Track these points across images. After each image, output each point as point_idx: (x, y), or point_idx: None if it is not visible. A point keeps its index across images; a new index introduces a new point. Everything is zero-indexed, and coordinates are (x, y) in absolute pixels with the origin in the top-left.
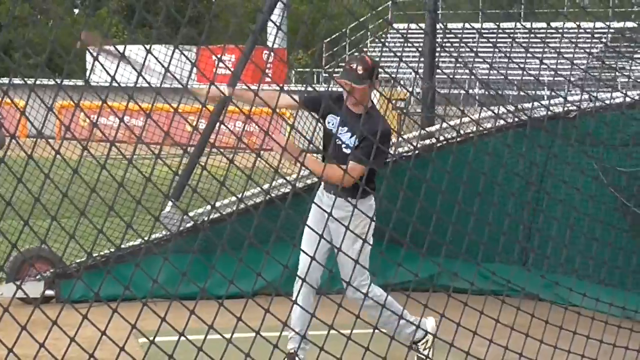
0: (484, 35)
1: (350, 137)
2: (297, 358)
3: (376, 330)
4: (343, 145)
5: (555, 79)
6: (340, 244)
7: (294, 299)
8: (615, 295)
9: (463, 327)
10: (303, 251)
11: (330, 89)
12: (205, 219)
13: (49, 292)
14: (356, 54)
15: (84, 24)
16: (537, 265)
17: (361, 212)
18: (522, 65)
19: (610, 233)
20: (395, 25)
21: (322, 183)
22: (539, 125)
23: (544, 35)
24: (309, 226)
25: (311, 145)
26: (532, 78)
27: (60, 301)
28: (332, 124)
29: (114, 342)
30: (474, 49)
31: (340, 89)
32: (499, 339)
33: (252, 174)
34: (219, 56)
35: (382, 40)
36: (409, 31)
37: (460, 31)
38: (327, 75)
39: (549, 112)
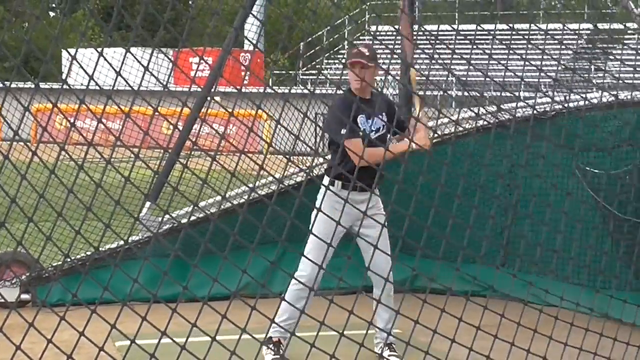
0: (460, 35)
1: (383, 117)
2: (281, 346)
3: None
4: (377, 132)
5: (527, 80)
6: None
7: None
8: (586, 294)
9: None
10: (307, 257)
11: (333, 98)
12: (183, 221)
13: (25, 297)
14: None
15: (59, 26)
16: (515, 265)
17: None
18: (493, 68)
19: (589, 234)
20: (371, 28)
21: (340, 183)
22: (508, 126)
23: (519, 36)
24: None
25: (297, 144)
26: (507, 80)
27: (37, 305)
28: (363, 122)
29: (92, 342)
30: (450, 49)
31: (341, 91)
32: (474, 339)
33: (233, 175)
34: (198, 58)
35: (365, 37)
36: (385, 34)
37: (437, 32)
38: (304, 77)
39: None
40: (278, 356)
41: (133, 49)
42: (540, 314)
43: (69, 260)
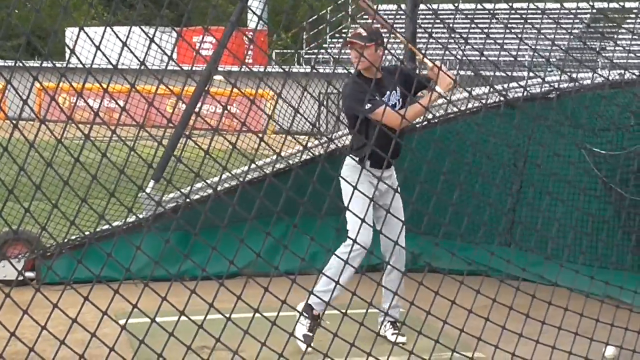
0: (465, 15)
1: (397, 93)
2: (320, 320)
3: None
4: (393, 108)
5: (535, 59)
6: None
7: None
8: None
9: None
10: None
11: (352, 80)
12: (186, 199)
13: (29, 274)
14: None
15: (65, 4)
16: (522, 245)
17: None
18: (501, 45)
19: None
20: (376, 7)
21: (368, 163)
22: (518, 106)
23: (524, 14)
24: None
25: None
26: (511, 58)
27: (42, 283)
28: (388, 99)
29: (101, 311)
30: (455, 29)
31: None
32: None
33: (234, 146)
34: (201, 37)
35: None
36: (390, 13)
37: (442, 12)
38: (308, 56)
39: (527, 93)
40: (311, 334)
41: (136, 28)
42: (534, 292)
43: (73, 232)
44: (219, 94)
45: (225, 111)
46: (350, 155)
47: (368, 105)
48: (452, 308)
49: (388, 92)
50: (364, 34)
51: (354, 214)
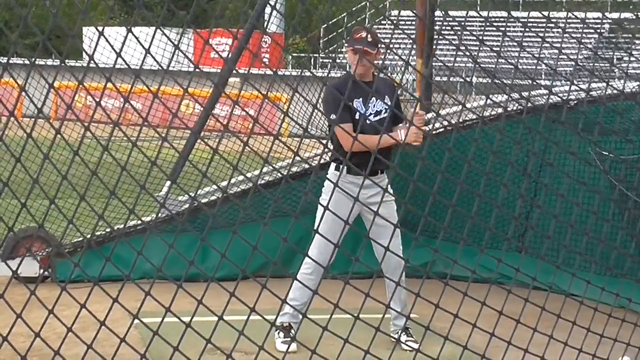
0: (487, 22)
1: (380, 101)
2: (292, 330)
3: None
4: (378, 115)
5: (556, 69)
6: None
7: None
8: (614, 284)
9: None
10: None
11: (329, 81)
12: (203, 201)
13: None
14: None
15: (85, 3)
16: (535, 252)
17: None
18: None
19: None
20: (393, 12)
21: (346, 168)
22: (538, 113)
23: (542, 25)
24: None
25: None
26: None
27: (55, 281)
28: (360, 107)
29: (124, 308)
30: (475, 35)
31: (339, 75)
32: (491, 327)
33: (240, 158)
34: (218, 39)
35: (385, 23)
36: (406, 18)
37: (461, 18)
38: (323, 60)
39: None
40: (289, 339)
41: (146, 29)
42: (565, 299)
43: (90, 242)
44: (235, 96)
45: (242, 113)
46: (332, 162)
47: (333, 116)
48: (460, 314)
49: (374, 99)
50: (369, 39)
51: (319, 233)
